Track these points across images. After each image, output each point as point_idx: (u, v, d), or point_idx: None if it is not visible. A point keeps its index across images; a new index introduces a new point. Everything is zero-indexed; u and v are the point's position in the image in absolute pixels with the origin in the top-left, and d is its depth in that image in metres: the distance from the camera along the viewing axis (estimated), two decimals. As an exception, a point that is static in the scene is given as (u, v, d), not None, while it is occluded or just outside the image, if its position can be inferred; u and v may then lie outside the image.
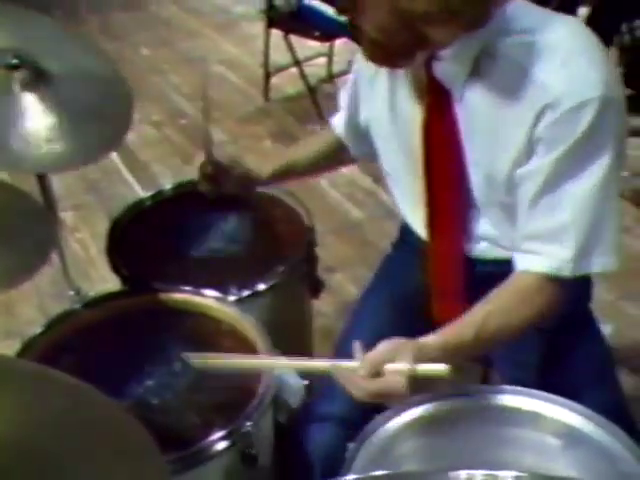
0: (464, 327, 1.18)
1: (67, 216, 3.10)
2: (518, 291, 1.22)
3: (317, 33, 3.75)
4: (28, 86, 1.40)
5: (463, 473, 0.75)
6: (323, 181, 3.30)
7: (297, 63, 3.94)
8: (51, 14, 5.43)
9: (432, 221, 1.38)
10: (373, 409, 1.14)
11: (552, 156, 1.15)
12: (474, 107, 1.23)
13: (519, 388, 1.16)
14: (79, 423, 0.97)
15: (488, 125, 1.22)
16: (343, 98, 1.62)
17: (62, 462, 0.90)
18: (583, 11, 4.09)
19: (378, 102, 1.40)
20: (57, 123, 1.40)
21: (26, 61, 1.41)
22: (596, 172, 1.14)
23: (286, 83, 4.20)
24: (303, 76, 3.94)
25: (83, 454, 0.92)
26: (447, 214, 1.36)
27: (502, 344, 1.28)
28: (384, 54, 1.20)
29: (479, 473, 0.75)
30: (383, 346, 1.11)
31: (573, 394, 1.15)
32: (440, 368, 1.06)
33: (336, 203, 3.23)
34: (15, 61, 1.40)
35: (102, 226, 1.77)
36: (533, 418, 1.12)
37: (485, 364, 1.55)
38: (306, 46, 4.03)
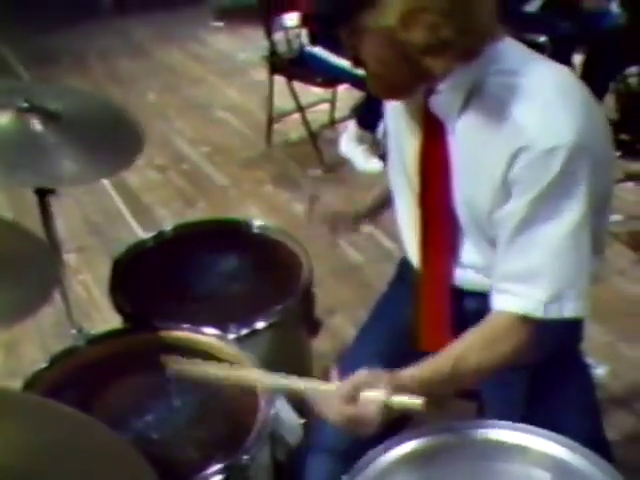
0: (440, 364, 1.21)
1: (70, 258, 3.13)
2: (493, 330, 1.25)
3: (320, 79, 3.82)
4: (40, 124, 1.49)
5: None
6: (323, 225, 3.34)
7: (300, 109, 4.02)
8: (61, 61, 5.57)
9: (424, 246, 1.43)
10: (368, 442, 1.17)
11: (526, 199, 1.19)
12: (464, 140, 1.28)
13: (507, 422, 1.18)
14: (80, 453, 1.00)
15: (473, 160, 1.27)
16: None
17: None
18: (578, 59, 4.18)
19: (389, 128, 1.48)
20: (68, 151, 1.50)
21: (35, 104, 1.48)
22: (568, 217, 1.18)
23: (289, 128, 4.27)
24: (305, 122, 4.01)
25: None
26: (437, 239, 1.41)
27: (477, 382, 1.31)
28: (387, 87, 1.28)
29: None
30: (361, 374, 1.15)
31: (558, 427, 1.17)
32: (415, 402, 1.10)
33: (335, 246, 3.27)
34: (26, 105, 1.46)
35: (104, 268, 1.80)
36: (521, 451, 1.14)
37: (477, 400, 1.58)
38: (309, 92, 4.11)
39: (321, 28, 1.27)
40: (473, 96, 1.25)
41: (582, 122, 1.17)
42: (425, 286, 1.45)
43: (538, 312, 1.22)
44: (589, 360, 2.44)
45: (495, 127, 1.22)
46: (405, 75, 1.22)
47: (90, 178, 1.68)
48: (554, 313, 1.22)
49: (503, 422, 1.19)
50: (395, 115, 1.44)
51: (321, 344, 2.40)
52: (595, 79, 4.10)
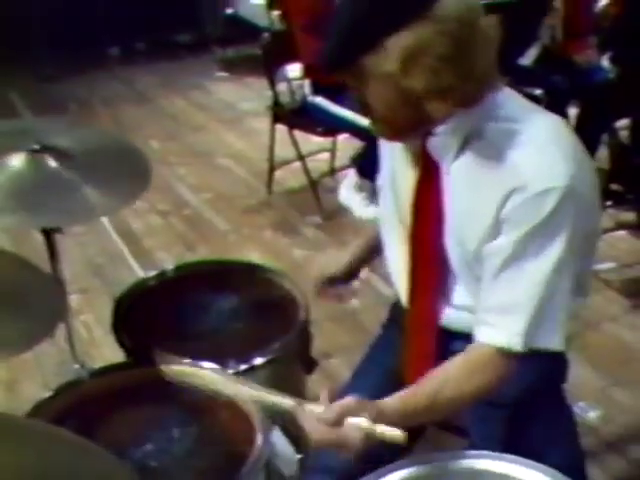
0: (419, 395, 1.26)
1: (73, 299, 3.18)
2: (471, 361, 1.31)
3: (320, 129, 3.92)
4: (54, 162, 1.57)
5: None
6: (321, 270, 3.40)
7: (301, 158, 4.11)
8: (67, 107, 5.70)
9: (412, 285, 1.48)
10: (365, 462, 1.21)
11: (515, 236, 1.25)
12: (457, 181, 1.34)
13: (491, 453, 1.23)
14: (80, 475, 1.04)
15: (466, 199, 1.33)
16: None
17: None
18: (572, 112, 4.28)
19: (384, 170, 1.53)
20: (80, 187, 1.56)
21: (46, 145, 1.56)
22: (553, 255, 1.24)
23: (289, 176, 4.36)
24: (306, 170, 4.09)
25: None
26: (426, 279, 1.46)
27: (455, 412, 1.36)
28: (392, 129, 1.34)
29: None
30: (349, 400, 1.21)
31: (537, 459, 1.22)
32: (397, 434, 1.16)
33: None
34: (36, 146, 1.54)
35: (106, 309, 1.83)
36: (504, 480, 1.19)
37: (462, 434, 1.61)
38: (310, 141, 4.20)
39: (326, 75, 1.32)
40: (470, 140, 1.31)
41: (574, 168, 1.24)
42: (412, 325, 1.51)
43: (517, 345, 1.27)
44: (581, 404, 2.50)
45: (490, 169, 1.28)
46: (409, 118, 1.28)
47: (108, 210, 1.72)
48: (531, 345, 1.28)
49: (487, 452, 1.23)
50: (392, 156, 1.49)
51: (317, 386, 2.44)
52: (588, 131, 4.21)
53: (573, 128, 4.15)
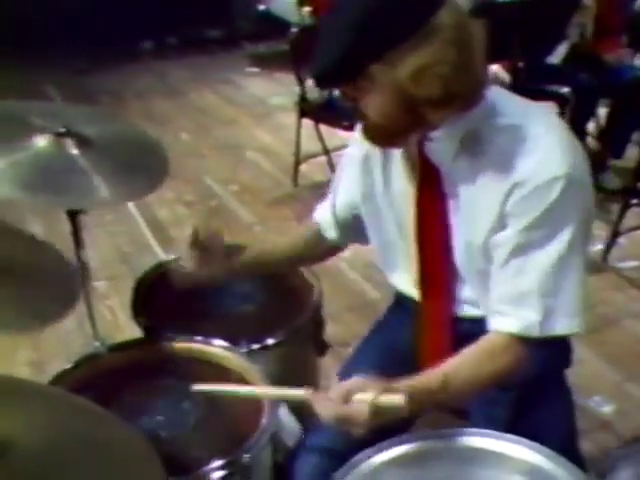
0: (433, 377, 1.28)
1: (100, 285, 3.27)
2: (487, 349, 1.33)
3: (346, 123, 3.96)
4: (74, 147, 1.62)
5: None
6: (342, 262, 3.45)
7: (326, 152, 4.16)
8: (100, 100, 5.81)
9: (423, 285, 1.51)
10: (360, 443, 1.25)
11: (520, 227, 1.28)
12: (458, 182, 1.36)
13: (489, 431, 1.26)
14: (96, 442, 1.10)
15: (470, 198, 1.35)
16: (333, 187, 1.67)
17: (76, 469, 1.03)
18: (602, 111, 4.27)
19: (373, 178, 1.51)
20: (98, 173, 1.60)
21: (71, 130, 1.62)
22: (559, 243, 1.27)
23: (315, 170, 4.41)
24: (331, 164, 4.14)
25: (95, 465, 1.05)
26: (436, 279, 1.48)
27: (469, 397, 1.38)
28: (384, 135, 1.32)
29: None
30: (356, 379, 1.24)
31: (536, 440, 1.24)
32: (398, 398, 1.18)
33: (354, 283, 3.37)
34: (63, 129, 1.60)
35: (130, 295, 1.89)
36: (501, 458, 1.22)
37: (463, 418, 1.64)
38: (335, 136, 4.24)
39: (322, 82, 1.30)
40: (467, 141, 1.32)
41: (571, 156, 1.27)
42: (426, 319, 1.53)
43: (534, 331, 1.30)
44: (597, 398, 2.51)
45: (490, 167, 1.30)
46: (404, 125, 1.27)
47: (120, 199, 1.78)
48: (549, 331, 1.30)
49: (485, 430, 1.26)
50: (385, 168, 1.48)
51: (334, 374, 2.49)
52: (618, 130, 4.20)
53: (603, 127, 4.21)
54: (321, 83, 1.33)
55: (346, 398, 1.21)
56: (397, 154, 1.45)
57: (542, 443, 1.24)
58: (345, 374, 1.54)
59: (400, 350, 1.56)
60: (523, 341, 1.31)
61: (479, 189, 1.33)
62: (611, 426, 2.43)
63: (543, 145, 1.27)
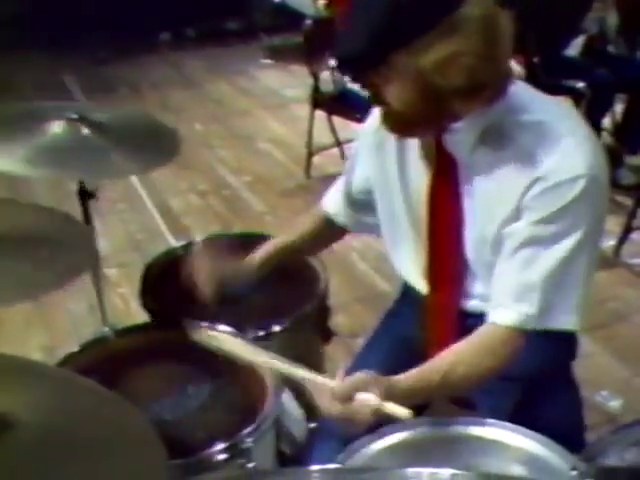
0: (432, 372, 1.30)
1: (112, 272, 3.30)
2: (485, 341, 1.34)
3: (358, 115, 3.96)
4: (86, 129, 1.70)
5: (410, 470, 0.87)
6: (353, 254, 3.46)
7: (338, 144, 4.16)
8: (117, 90, 5.85)
9: (432, 277, 1.50)
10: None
11: (534, 219, 1.28)
12: (476, 174, 1.36)
13: (488, 420, 1.26)
14: (99, 420, 1.11)
15: (486, 191, 1.35)
16: (345, 173, 1.70)
17: (80, 449, 1.05)
18: (618, 106, 4.25)
19: (387, 167, 1.51)
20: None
21: (84, 116, 1.66)
22: (570, 241, 1.27)
23: (327, 162, 4.41)
24: (343, 156, 4.14)
25: (99, 445, 1.07)
26: (445, 272, 1.48)
27: (469, 390, 1.39)
28: (405, 125, 1.32)
29: (425, 470, 0.86)
30: (360, 376, 1.24)
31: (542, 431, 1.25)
32: (403, 411, 1.19)
33: (364, 274, 3.38)
34: (75, 115, 1.64)
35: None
36: (500, 447, 1.22)
37: (468, 407, 1.65)
38: (348, 128, 4.25)
39: (345, 68, 1.29)
40: (487, 135, 1.32)
41: (591, 155, 1.27)
42: (433, 312, 1.53)
43: (529, 324, 1.30)
44: (604, 393, 2.51)
45: (510, 161, 1.30)
46: (427, 115, 1.27)
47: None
48: (545, 325, 1.30)
49: (484, 419, 1.27)
50: (400, 155, 1.48)
51: (342, 365, 2.50)
52: (634, 126, 4.18)
53: (618, 123, 4.18)
54: (344, 69, 1.32)
55: (349, 396, 1.22)
56: (413, 143, 1.44)
57: (547, 436, 1.24)
58: (354, 369, 1.55)
59: (409, 344, 1.57)
60: (521, 333, 1.31)
61: (497, 182, 1.33)
62: (618, 421, 2.43)
63: (567, 143, 1.27)
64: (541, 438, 1.20)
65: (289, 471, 1.11)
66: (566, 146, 1.26)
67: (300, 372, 1.33)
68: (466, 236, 1.40)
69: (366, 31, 1.20)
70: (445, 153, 1.37)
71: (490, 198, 1.34)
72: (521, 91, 1.34)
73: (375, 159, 1.54)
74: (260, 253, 1.72)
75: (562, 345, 1.48)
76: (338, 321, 1.92)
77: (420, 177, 1.45)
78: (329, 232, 1.76)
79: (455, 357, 1.32)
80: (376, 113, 1.43)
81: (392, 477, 0.86)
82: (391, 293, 3.24)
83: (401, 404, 1.21)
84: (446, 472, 0.84)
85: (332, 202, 1.73)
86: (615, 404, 2.51)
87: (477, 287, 1.45)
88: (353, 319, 2.93)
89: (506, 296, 1.32)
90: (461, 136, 1.33)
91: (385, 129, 1.35)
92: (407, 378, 1.28)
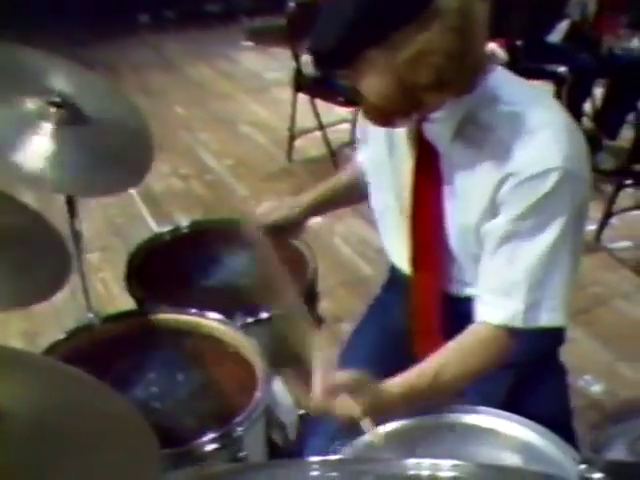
0: (420, 377, 1.29)
1: (93, 257, 3.27)
2: (474, 343, 1.33)
3: (341, 99, 3.94)
4: (64, 122, 1.57)
5: (411, 461, 0.86)
6: (336, 238, 3.46)
7: (321, 127, 4.14)
8: (92, 69, 5.76)
9: (415, 259, 1.50)
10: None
11: (510, 216, 1.27)
12: (455, 165, 1.35)
13: (482, 407, 1.26)
14: (87, 410, 1.10)
15: (464, 182, 1.34)
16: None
17: (68, 440, 1.03)
18: (598, 91, 4.26)
19: (378, 142, 1.51)
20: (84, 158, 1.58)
21: (67, 102, 1.59)
22: (549, 235, 1.26)
23: (310, 146, 4.40)
24: (326, 140, 4.13)
25: (88, 436, 1.05)
26: (428, 254, 1.47)
27: (459, 389, 1.38)
28: (382, 116, 1.30)
29: (425, 461, 0.86)
30: (350, 376, 1.24)
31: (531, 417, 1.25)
32: (376, 434, 1.21)
33: (347, 259, 3.37)
34: (57, 99, 1.57)
35: (124, 267, 1.87)
36: (493, 435, 1.22)
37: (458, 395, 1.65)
38: (331, 112, 4.23)
39: (320, 63, 1.27)
40: (465, 124, 1.31)
41: (568, 147, 1.25)
42: (417, 294, 1.52)
43: (517, 322, 1.30)
44: (587, 377, 2.53)
45: (485, 153, 1.29)
46: (402, 107, 1.26)
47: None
48: (532, 322, 1.30)
49: (477, 407, 1.27)
50: (389, 139, 1.48)
51: (327, 348, 2.50)
52: (614, 111, 4.20)
53: (598, 108, 4.20)
54: (318, 65, 1.31)
55: (333, 393, 1.22)
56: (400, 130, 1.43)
57: (537, 420, 1.24)
58: (342, 360, 1.55)
59: (395, 331, 1.56)
60: (509, 331, 1.31)
61: (474, 174, 1.32)
62: (601, 405, 2.45)
63: (542, 136, 1.25)
64: (535, 426, 1.20)
65: (288, 463, 1.10)
66: (541, 139, 1.24)
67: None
68: (449, 225, 1.40)
69: (341, 26, 1.17)
70: (426, 142, 1.37)
71: (468, 190, 1.34)
72: (500, 80, 1.32)
73: (370, 132, 1.54)
74: (306, 198, 1.75)
75: (549, 332, 1.48)
76: (322, 306, 1.91)
77: (406, 158, 1.44)
78: (359, 188, 1.70)
79: (445, 358, 1.31)
80: None
81: (392, 468, 0.85)
82: (375, 277, 3.27)
83: (393, 411, 1.23)
84: (447, 463, 0.83)
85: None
86: (597, 389, 2.53)
87: (466, 275, 1.44)
88: (337, 304, 2.92)
89: (492, 294, 1.32)
90: (439, 126, 1.33)
91: (366, 120, 1.34)
92: (398, 384, 1.27)
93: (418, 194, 1.43)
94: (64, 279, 1.48)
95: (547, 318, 1.30)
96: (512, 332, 1.31)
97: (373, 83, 1.22)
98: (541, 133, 1.25)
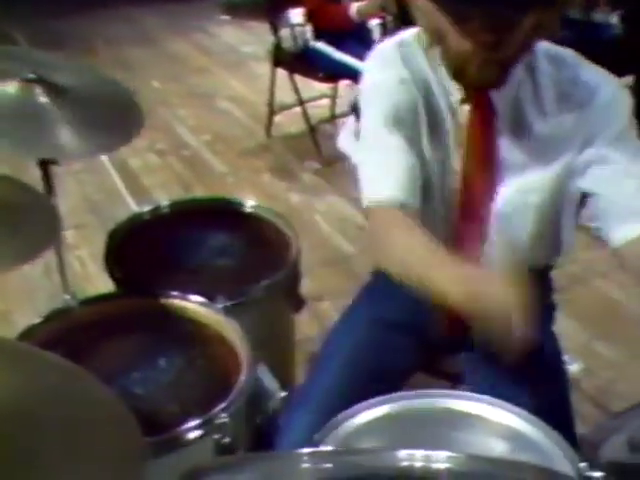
0: None
1: (69, 234, 3.21)
2: None
3: (321, 74, 3.90)
4: (44, 96, 1.57)
5: (403, 452, 0.84)
6: (317, 216, 3.43)
7: (301, 103, 4.09)
8: (68, 45, 5.65)
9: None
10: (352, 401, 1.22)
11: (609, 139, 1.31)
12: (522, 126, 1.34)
13: (470, 394, 1.24)
14: (68, 400, 1.07)
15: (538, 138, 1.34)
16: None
17: (48, 429, 1.00)
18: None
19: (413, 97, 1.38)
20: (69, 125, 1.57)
21: (42, 77, 1.56)
22: None
23: (289, 121, 4.35)
24: (306, 116, 4.08)
25: (68, 424, 1.02)
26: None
27: None
28: (497, 64, 1.23)
29: (418, 452, 0.84)
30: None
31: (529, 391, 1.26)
32: None
33: (328, 237, 3.35)
34: (32, 76, 1.54)
35: (101, 245, 1.83)
36: (482, 422, 1.20)
37: (451, 380, 1.64)
38: (311, 87, 4.19)
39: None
40: (527, 73, 1.32)
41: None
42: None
43: None
44: (564, 356, 2.54)
45: (556, 93, 1.33)
46: (517, 38, 1.18)
47: (90, 152, 1.74)
48: None
49: (466, 393, 1.25)
50: (425, 98, 1.37)
51: (307, 328, 2.49)
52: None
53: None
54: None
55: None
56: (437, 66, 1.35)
57: (539, 414, 1.21)
58: (325, 353, 1.53)
59: (384, 324, 1.53)
60: None
61: (553, 116, 1.34)
62: (578, 384, 2.46)
63: (592, 66, 1.35)
64: (523, 413, 1.19)
65: (279, 455, 1.08)
66: (596, 70, 1.34)
67: None
68: (501, 191, 1.37)
69: None
70: (485, 105, 1.33)
71: (546, 135, 1.34)
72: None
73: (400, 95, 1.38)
74: None
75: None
76: (303, 284, 1.88)
77: (447, 97, 1.35)
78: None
79: None
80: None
81: (385, 459, 0.83)
82: (356, 255, 3.27)
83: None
84: (441, 454, 0.81)
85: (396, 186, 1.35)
86: (575, 368, 2.53)
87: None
88: (318, 282, 2.90)
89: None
90: (505, 91, 1.31)
91: (475, 83, 1.28)
92: None
93: (473, 148, 1.36)
94: (49, 241, 1.48)
95: None
96: None
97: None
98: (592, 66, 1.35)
